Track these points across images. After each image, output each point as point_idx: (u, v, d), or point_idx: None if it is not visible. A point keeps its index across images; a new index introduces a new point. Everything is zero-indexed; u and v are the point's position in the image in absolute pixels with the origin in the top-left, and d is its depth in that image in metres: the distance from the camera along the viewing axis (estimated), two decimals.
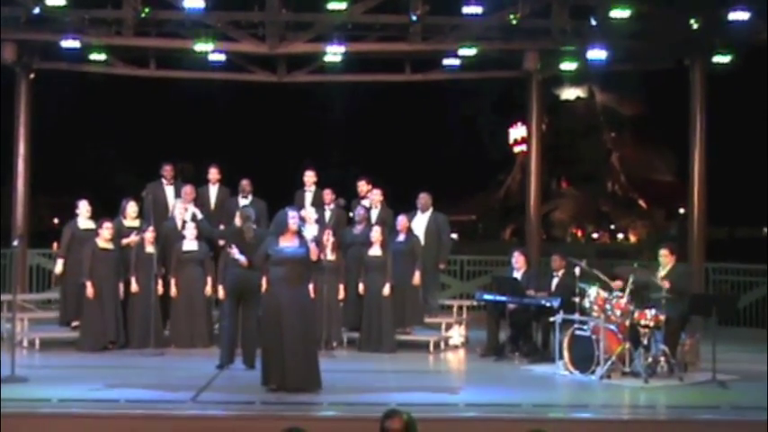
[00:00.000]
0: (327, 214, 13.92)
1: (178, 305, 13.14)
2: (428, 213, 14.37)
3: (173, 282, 13.10)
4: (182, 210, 13.67)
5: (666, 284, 11.28)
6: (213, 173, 14.53)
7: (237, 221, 12.15)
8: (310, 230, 12.29)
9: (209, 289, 13.14)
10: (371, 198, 14.17)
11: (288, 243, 10.20)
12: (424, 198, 14.43)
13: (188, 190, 14.03)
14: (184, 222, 13.52)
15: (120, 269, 13.03)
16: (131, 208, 13.54)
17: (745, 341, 14.31)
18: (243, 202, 13.99)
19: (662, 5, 15.89)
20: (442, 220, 14.52)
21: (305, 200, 14.29)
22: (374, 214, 14.03)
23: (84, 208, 13.57)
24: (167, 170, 14.37)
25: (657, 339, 11.29)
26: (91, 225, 13.30)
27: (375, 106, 51.54)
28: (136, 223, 13.45)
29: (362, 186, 14.42)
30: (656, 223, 66.95)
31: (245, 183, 14.28)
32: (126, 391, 9.91)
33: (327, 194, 14.12)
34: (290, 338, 9.96)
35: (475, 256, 18.95)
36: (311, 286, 11.12)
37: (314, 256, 10.25)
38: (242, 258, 11.35)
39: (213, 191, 14.48)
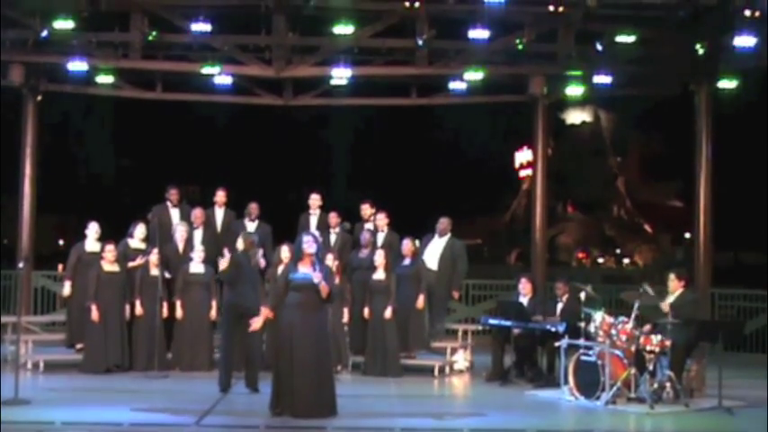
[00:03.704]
0: (332, 238, 13.89)
1: (182, 328, 13.12)
2: (445, 238, 14.28)
3: (178, 303, 13.07)
4: (183, 232, 13.66)
5: (666, 308, 11.26)
6: (220, 196, 14.51)
7: (239, 245, 12.09)
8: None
9: (213, 313, 13.12)
10: (377, 222, 14.14)
11: (306, 269, 10.14)
12: (444, 223, 14.34)
13: (198, 213, 14.04)
14: (186, 245, 13.50)
15: (126, 292, 13.01)
16: (140, 230, 13.55)
17: (750, 367, 14.25)
18: (249, 225, 13.98)
19: (668, 31, 15.91)
20: (459, 247, 14.39)
21: (310, 223, 14.25)
22: (380, 238, 14.00)
23: (93, 230, 13.55)
24: (173, 194, 14.34)
25: (663, 365, 11.24)
26: (97, 248, 13.28)
27: (380, 129, 51.70)
28: (142, 245, 13.46)
29: (366, 210, 14.35)
30: (662, 248, 66.89)
31: (253, 206, 14.25)
32: (129, 414, 9.86)
33: (333, 218, 14.10)
34: (301, 364, 9.87)
35: (480, 280, 18.89)
36: None
37: (324, 293, 10.13)
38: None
39: (219, 214, 14.47)
